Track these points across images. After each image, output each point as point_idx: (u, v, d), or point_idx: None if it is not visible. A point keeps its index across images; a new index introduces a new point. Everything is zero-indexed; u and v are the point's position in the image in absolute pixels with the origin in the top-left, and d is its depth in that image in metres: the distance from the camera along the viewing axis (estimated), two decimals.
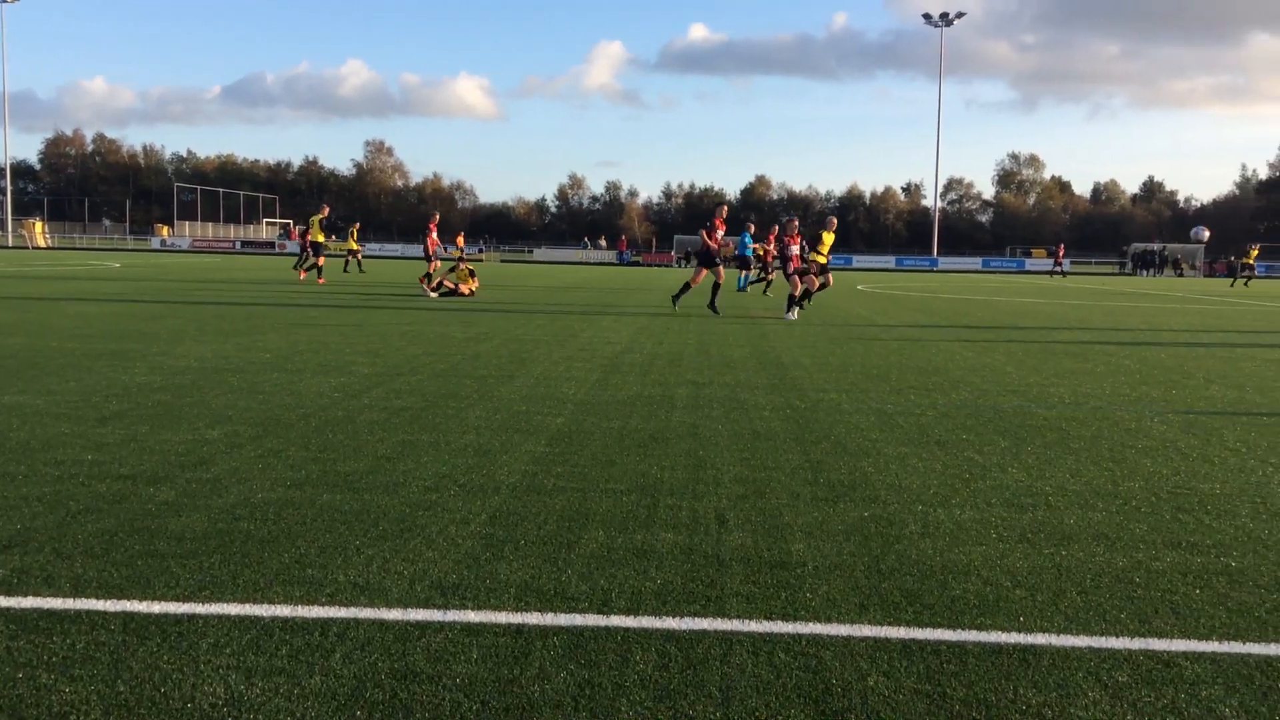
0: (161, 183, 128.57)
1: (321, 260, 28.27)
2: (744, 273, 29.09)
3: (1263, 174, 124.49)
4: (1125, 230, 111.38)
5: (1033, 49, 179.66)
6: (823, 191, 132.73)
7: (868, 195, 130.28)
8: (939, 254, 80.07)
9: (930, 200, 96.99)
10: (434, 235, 26.58)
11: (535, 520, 4.83)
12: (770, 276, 28.88)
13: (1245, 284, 46.91)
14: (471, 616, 3.62)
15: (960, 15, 75.40)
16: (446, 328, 14.97)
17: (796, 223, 23.18)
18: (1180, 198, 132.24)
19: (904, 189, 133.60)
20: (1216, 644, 3.52)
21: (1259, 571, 4.32)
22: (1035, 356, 12.58)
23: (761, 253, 29.79)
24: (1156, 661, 3.37)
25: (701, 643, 3.43)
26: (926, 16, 75.76)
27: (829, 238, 20.09)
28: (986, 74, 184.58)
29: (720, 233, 19.32)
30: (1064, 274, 58.58)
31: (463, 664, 3.23)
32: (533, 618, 3.62)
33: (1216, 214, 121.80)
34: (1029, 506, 5.31)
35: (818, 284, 19.94)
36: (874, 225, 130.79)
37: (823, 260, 20.03)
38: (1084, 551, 4.55)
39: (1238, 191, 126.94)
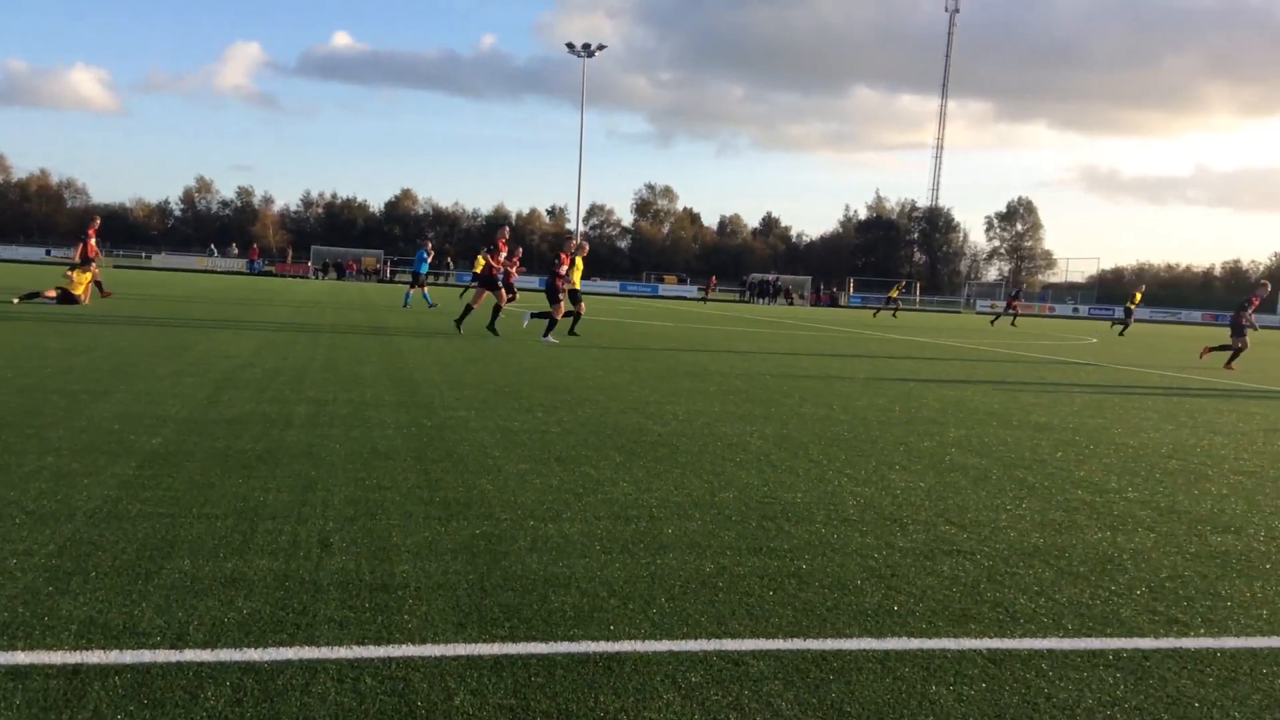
0: None
1: None
2: (411, 290, 30.62)
3: (862, 214, 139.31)
4: (747, 261, 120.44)
5: (668, 86, 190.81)
6: (470, 209, 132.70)
7: (514, 216, 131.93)
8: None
9: (573, 224, 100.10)
10: (92, 241, 24.01)
11: (111, 550, 4.41)
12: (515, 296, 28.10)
13: (894, 315, 54.18)
14: (21, 658, 3.23)
15: (601, 47, 78.65)
16: (40, 338, 13.44)
17: (574, 242, 21.60)
18: (794, 233, 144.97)
19: (549, 212, 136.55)
20: (781, 641, 3.83)
21: (825, 573, 4.77)
22: (657, 376, 13.27)
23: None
24: (728, 661, 3.61)
25: (283, 673, 3.26)
26: (570, 46, 78.31)
27: (580, 262, 20.42)
28: (627, 107, 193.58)
29: (503, 255, 19.90)
30: (706, 300, 63.66)
31: (2, 712, 2.86)
32: (94, 656, 3.28)
33: (824, 249, 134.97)
34: (634, 518, 5.55)
35: (563, 310, 19.96)
36: (520, 246, 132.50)
37: (575, 285, 20.37)
38: (678, 560, 4.82)
39: (841, 230, 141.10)
